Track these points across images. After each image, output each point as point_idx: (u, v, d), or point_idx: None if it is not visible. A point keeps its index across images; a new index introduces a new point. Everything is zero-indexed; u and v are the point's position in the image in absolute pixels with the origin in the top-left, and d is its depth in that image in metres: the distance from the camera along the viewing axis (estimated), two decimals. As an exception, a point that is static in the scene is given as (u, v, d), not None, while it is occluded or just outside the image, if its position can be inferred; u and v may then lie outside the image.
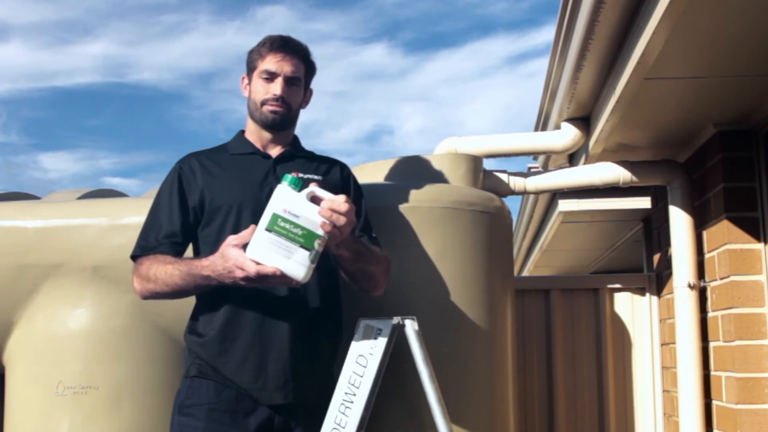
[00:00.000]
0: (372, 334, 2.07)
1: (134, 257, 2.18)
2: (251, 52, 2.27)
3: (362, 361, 2.07)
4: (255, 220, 1.97)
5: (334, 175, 2.30)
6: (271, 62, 2.20)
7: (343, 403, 2.05)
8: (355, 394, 2.04)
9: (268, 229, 1.88)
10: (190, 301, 2.18)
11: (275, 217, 1.88)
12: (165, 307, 2.49)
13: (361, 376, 2.05)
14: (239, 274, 1.91)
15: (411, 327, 2.10)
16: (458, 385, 2.46)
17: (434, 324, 2.44)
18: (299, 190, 1.92)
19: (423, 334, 2.12)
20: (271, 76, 2.20)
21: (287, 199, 1.89)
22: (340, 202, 1.91)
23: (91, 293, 2.54)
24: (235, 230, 2.07)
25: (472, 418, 2.48)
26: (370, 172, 2.81)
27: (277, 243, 1.87)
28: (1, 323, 2.59)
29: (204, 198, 2.18)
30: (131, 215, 2.60)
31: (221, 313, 2.10)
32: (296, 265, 1.89)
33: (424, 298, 2.48)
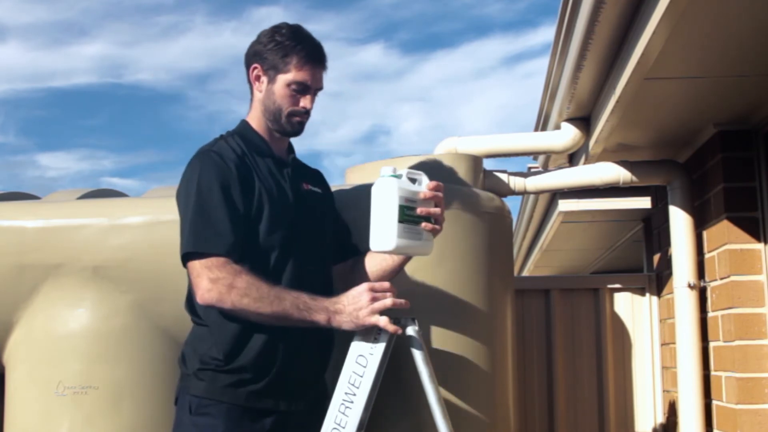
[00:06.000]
0: (372, 334, 2.07)
1: (206, 254, 1.99)
2: (276, 48, 2.12)
3: (362, 361, 2.06)
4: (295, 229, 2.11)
5: (322, 183, 2.35)
6: (306, 75, 2.11)
7: (343, 403, 2.04)
8: (355, 394, 2.04)
9: (401, 221, 2.00)
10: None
11: (402, 208, 2.00)
12: (165, 307, 2.49)
13: (361, 376, 2.05)
14: (369, 320, 1.99)
15: (411, 327, 2.10)
16: (458, 385, 2.46)
17: (434, 324, 2.44)
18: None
19: (423, 335, 2.12)
20: (303, 90, 2.13)
21: (402, 189, 2.01)
22: (436, 186, 2.08)
23: (91, 293, 2.54)
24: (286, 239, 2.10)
25: (472, 418, 2.48)
26: (370, 173, 2.81)
27: (409, 230, 2.02)
28: (1, 323, 2.59)
29: (262, 199, 2.09)
30: (131, 215, 2.60)
31: (257, 338, 2.05)
32: (427, 243, 2.08)
33: (424, 298, 2.47)
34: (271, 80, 2.14)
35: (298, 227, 2.13)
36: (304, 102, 2.14)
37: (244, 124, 2.22)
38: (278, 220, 2.09)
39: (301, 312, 1.98)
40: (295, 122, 2.16)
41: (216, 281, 1.96)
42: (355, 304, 2.00)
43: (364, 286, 2.03)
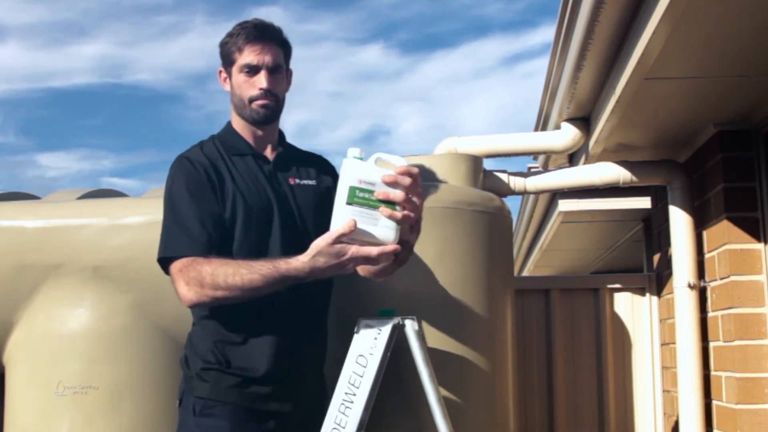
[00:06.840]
0: (372, 334, 2.07)
1: (174, 258, 2.01)
2: (225, 44, 2.17)
3: (362, 361, 2.07)
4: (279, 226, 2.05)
5: (325, 172, 2.29)
6: (250, 55, 2.12)
7: (343, 403, 2.05)
8: (355, 394, 2.04)
9: (349, 203, 1.87)
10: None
11: (353, 189, 1.87)
12: (165, 307, 2.49)
13: (361, 376, 2.05)
14: (351, 265, 1.88)
15: (411, 327, 2.10)
16: (458, 385, 2.46)
17: (434, 324, 2.44)
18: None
19: (423, 334, 2.12)
20: (253, 70, 2.12)
21: (359, 170, 1.89)
22: (405, 170, 1.87)
23: (91, 293, 2.54)
24: (266, 236, 2.07)
25: (472, 418, 2.48)
26: (370, 172, 2.81)
27: (361, 213, 1.88)
28: (1, 323, 2.59)
29: (236, 201, 2.08)
30: (131, 215, 2.60)
31: (266, 346, 2.05)
32: (385, 230, 1.88)
33: (424, 298, 2.48)
34: (230, 76, 2.18)
35: (281, 228, 2.10)
36: (259, 83, 2.13)
37: (227, 126, 2.25)
38: (252, 222, 2.08)
39: (275, 286, 1.91)
40: (258, 107, 2.14)
41: (189, 282, 1.98)
42: (330, 262, 1.87)
43: (331, 250, 1.86)
